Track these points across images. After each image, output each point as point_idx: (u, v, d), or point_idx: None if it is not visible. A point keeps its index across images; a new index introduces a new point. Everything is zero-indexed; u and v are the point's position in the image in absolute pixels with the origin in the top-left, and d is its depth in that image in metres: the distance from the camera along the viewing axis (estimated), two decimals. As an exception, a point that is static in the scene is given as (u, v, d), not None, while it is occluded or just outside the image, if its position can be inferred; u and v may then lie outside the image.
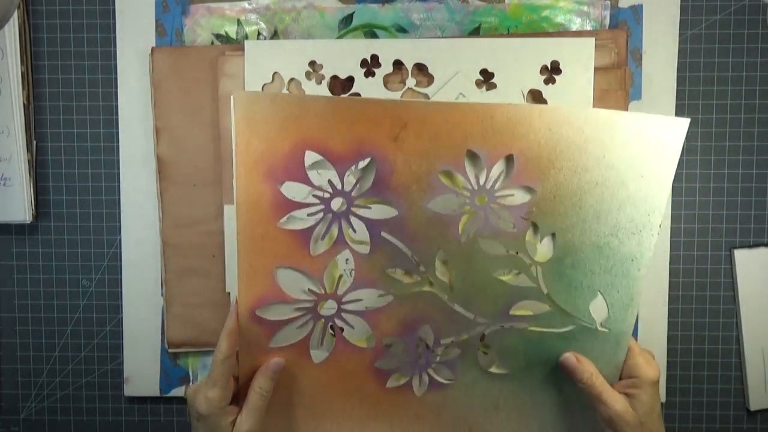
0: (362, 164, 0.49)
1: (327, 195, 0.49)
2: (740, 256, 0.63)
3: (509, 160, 0.49)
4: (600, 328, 0.52)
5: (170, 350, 0.63)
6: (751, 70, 0.62)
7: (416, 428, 0.55)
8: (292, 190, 0.49)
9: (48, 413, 0.66)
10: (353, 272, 0.51)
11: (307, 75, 0.59)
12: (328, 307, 0.52)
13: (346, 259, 0.51)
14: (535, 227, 0.50)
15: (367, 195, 0.50)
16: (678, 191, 0.63)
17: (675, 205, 0.63)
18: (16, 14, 0.61)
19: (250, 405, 0.51)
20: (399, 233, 0.50)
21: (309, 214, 0.50)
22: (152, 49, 0.61)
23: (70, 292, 0.65)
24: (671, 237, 0.63)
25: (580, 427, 0.55)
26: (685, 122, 0.49)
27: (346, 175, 0.49)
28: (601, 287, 0.52)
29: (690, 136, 0.63)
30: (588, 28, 0.61)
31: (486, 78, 0.59)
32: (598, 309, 0.52)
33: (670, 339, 0.63)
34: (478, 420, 0.55)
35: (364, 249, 0.50)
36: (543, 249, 0.51)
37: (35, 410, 0.66)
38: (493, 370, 0.54)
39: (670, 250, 0.63)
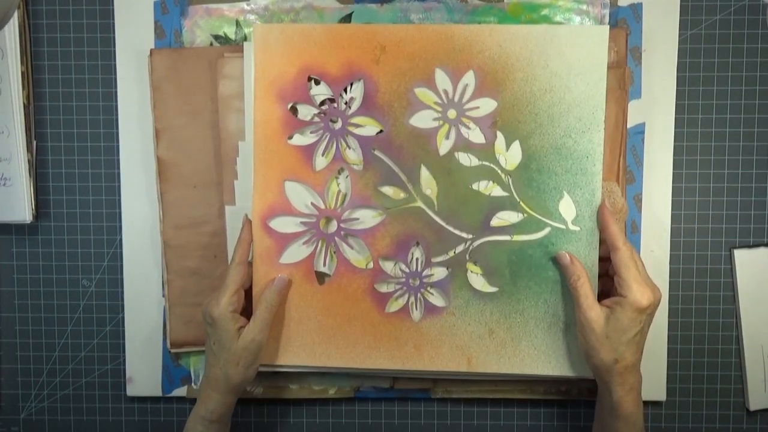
0: (355, 86, 0.57)
1: (325, 114, 0.58)
2: (740, 256, 0.63)
3: (470, 74, 0.57)
4: (571, 227, 0.57)
5: (172, 350, 0.63)
6: (751, 70, 0.62)
7: (416, 360, 0.59)
8: (299, 110, 0.58)
9: (48, 413, 0.66)
10: (350, 190, 0.58)
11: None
12: (330, 225, 0.58)
13: (346, 175, 0.58)
14: (501, 136, 0.57)
15: (359, 114, 0.58)
16: (678, 191, 0.63)
17: (675, 205, 0.63)
18: (16, 14, 0.61)
19: (257, 315, 0.56)
20: (387, 150, 0.58)
21: (311, 132, 0.58)
22: (151, 50, 0.61)
23: (70, 292, 0.65)
24: (671, 237, 0.63)
25: (570, 346, 0.58)
26: (604, 28, 0.56)
27: (341, 96, 0.57)
28: (565, 186, 0.57)
29: (690, 136, 0.63)
30: (589, 23, 0.60)
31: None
32: (566, 208, 0.57)
33: (670, 339, 0.63)
34: (474, 349, 0.59)
35: (359, 166, 0.58)
36: (511, 157, 0.57)
37: (35, 410, 0.67)
38: (482, 288, 0.58)
39: (670, 250, 0.63)
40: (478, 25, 0.58)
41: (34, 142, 0.64)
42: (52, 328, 0.66)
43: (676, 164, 0.63)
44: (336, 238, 0.59)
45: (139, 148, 0.63)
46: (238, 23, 0.61)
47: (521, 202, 0.57)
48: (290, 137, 0.58)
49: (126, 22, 0.62)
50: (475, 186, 0.57)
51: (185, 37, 0.62)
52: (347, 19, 0.61)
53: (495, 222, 0.58)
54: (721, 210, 0.63)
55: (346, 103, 0.57)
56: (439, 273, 0.58)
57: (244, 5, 0.61)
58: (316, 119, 0.58)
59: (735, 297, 0.64)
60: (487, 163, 0.57)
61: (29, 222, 0.63)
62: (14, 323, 0.66)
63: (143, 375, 0.65)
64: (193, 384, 0.65)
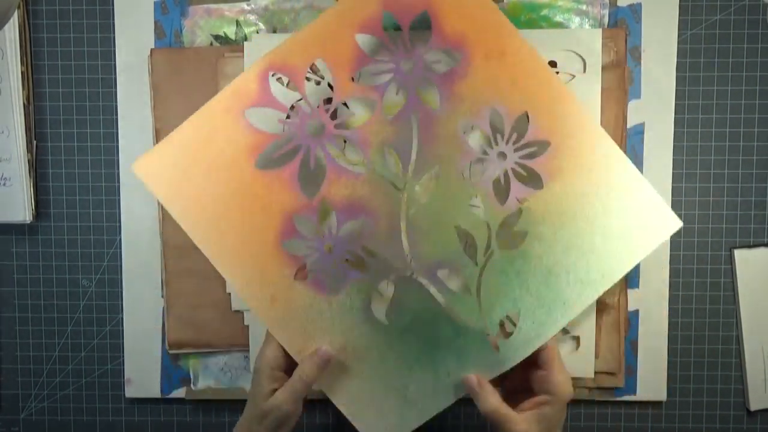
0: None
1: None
2: (740, 256, 0.63)
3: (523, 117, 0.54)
4: (491, 343, 0.54)
5: (171, 351, 0.63)
6: (751, 70, 0.62)
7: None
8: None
9: (48, 413, 0.66)
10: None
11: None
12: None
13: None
14: (518, 214, 0.54)
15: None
16: (678, 191, 0.63)
17: (675, 205, 0.63)
18: (16, 14, 0.61)
19: (289, 385, 0.52)
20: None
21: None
22: (151, 50, 0.61)
23: (70, 292, 0.65)
24: (671, 237, 0.63)
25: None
26: (676, 223, 0.54)
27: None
28: (524, 309, 0.54)
29: (690, 136, 0.63)
30: (587, 26, 0.61)
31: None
32: (505, 326, 0.54)
33: (670, 339, 0.63)
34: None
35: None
36: (507, 238, 0.54)
37: (35, 410, 0.67)
38: (379, 317, 0.55)
39: (670, 250, 0.63)
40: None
41: (34, 142, 0.64)
42: (52, 328, 0.66)
43: (676, 164, 0.63)
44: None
45: (139, 148, 0.63)
46: (238, 23, 0.61)
47: (480, 282, 0.54)
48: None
49: (126, 22, 0.62)
50: (460, 221, 0.54)
51: (185, 37, 0.62)
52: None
53: (443, 273, 0.55)
54: (721, 210, 0.63)
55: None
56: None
57: (244, 5, 0.61)
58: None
59: (735, 297, 0.64)
60: (486, 217, 0.54)
61: (29, 222, 0.63)
62: (14, 323, 0.66)
63: (142, 376, 0.65)
64: (191, 385, 0.65)
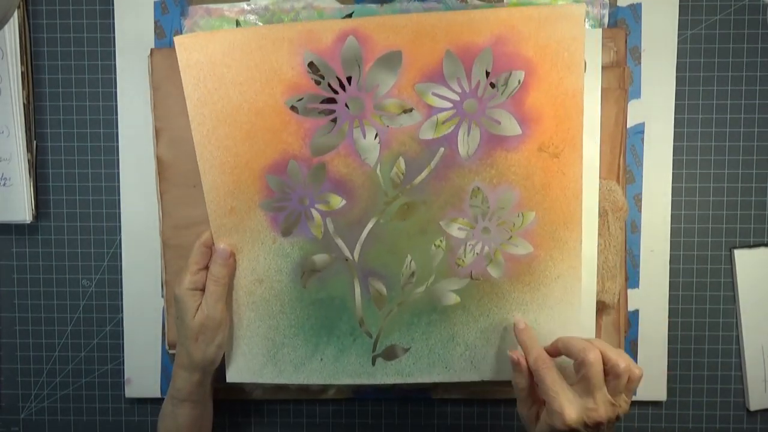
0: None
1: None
2: (740, 256, 0.63)
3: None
4: (371, 357, 0.60)
5: (171, 351, 0.63)
6: (751, 70, 0.62)
7: None
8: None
9: (48, 413, 0.66)
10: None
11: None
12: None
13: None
14: (464, 283, 0.58)
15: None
16: (678, 191, 0.63)
17: (675, 205, 0.63)
18: (16, 14, 0.61)
19: (206, 291, 0.56)
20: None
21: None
22: (151, 50, 0.61)
23: (70, 292, 0.65)
24: (671, 237, 0.63)
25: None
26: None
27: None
28: (414, 350, 0.59)
29: (690, 136, 0.63)
30: (587, 26, 0.61)
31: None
32: (393, 351, 0.59)
33: (670, 339, 0.63)
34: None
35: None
36: (440, 295, 0.58)
37: (35, 410, 0.67)
38: (301, 279, 0.59)
39: (670, 250, 0.63)
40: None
41: (34, 142, 0.64)
42: (52, 328, 0.66)
43: (676, 164, 0.63)
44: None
45: (139, 148, 0.63)
46: (238, 23, 0.61)
47: (387, 313, 0.59)
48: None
49: (126, 22, 0.62)
50: (444, 226, 0.57)
51: (185, 37, 0.62)
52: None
53: (371, 280, 0.59)
54: (721, 210, 0.63)
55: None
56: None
57: (244, 5, 0.61)
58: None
59: (735, 297, 0.64)
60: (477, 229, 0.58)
61: (29, 222, 0.63)
62: (14, 323, 0.66)
63: (142, 376, 0.65)
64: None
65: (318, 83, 0.55)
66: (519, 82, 0.54)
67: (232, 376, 0.60)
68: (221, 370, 0.60)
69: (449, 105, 0.55)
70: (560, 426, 0.49)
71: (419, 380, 0.59)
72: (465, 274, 0.58)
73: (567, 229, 0.56)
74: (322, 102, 0.56)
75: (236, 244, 0.58)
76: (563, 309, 0.57)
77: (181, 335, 0.57)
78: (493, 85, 0.55)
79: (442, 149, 0.56)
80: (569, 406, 0.49)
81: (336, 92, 0.55)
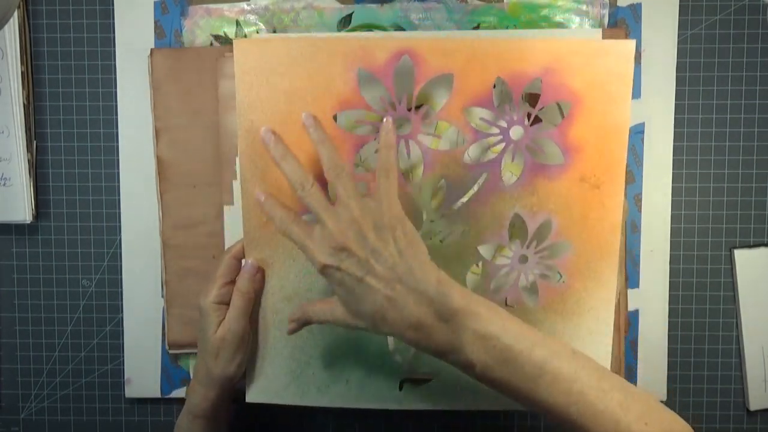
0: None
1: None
2: (740, 256, 0.63)
3: None
4: (398, 381, 0.59)
5: (171, 351, 0.63)
6: (751, 70, 0.62)
7: None
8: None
9: (48, 413, 0.66)
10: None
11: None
12: None
13: None
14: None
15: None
16: (678, 191, 0.63)
17: (675, 205, 0.63)
18: (16, 14, 0.61)
19: (231, 304, 0.55)
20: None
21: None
22: (151, 50, 0.61)
23: (70, 292, 0.65)
24: (671, 237, 0.63)
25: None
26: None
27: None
28: (436, 379, 0.58)
29: (690, 136, 0.63)
30: (587, 26, 0.61)
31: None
32: (418, 377, 0.58)
33: (670, 339, 0.63)
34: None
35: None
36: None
37: (35, 410, 0.67)
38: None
39: (670, 250, 0.63)
40: None
41: (34, 142, 0.64)
42: (52, 328, 0.66)
43: (676, 164, 0.63)
44: None
45: (139, 148, 0.63)
46: (238, 23, 0.61)
47: None
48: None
49: (126, 22, 0.62)
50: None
51: (185, 37, 0.62)
52: (347, 19, 0.61)
53: None
54: (721, 210, 0.63)
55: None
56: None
57: (244, 5, 0.61)
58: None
59: (735, 297, 0.64)
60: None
61: (29, 222, 0.63)
62: (14, 323, 0.66)
63: (142, 376, 0.65)
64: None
65: (368, 100, 0.55)
66: (566, 112, 0.54)
67: (253, 396, 0.59)
68: (240, 389, 0.59)
69: (496, 131, 0.55)
70: (320, 271, 0.50)
71: (446, 407, 0.58)
72: (500, 301, 0.57)
73: (603, 260, 0.56)
74: (371, 119, 0.55)
75: (267, 259, 0.57)
76: (594, 340, 0.57)
77: (201, 349, 0.56)
78: (538, 117, 0.54)
79: (485, 174, 0.56)
80: (315, 248, 0.49)
81: (385, 110, 0.55)
